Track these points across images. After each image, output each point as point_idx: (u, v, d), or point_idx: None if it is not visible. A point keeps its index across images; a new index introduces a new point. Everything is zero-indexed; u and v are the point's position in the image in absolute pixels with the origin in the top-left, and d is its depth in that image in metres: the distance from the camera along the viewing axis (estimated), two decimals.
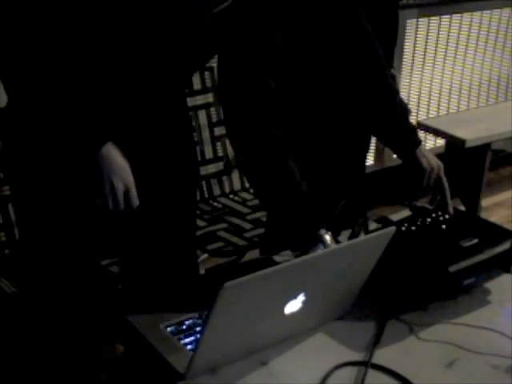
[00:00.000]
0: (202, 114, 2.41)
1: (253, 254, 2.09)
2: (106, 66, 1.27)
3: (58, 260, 1.42)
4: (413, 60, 3.55)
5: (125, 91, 1.31)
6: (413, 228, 1.36)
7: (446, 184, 1.53)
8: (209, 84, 2.39)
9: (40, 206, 1.38)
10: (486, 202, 3.26)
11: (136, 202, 1.29)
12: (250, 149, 1.37)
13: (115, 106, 1.31)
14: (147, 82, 1.33)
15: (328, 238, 1.32)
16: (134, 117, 1.35)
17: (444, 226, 1.38)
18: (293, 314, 1.10)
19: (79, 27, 1.21)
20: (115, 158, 1.26)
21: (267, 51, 1.37)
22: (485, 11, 3.58)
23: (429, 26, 3.50)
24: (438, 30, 3.54)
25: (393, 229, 1.14)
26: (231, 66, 1.38)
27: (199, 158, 2.34)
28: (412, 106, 3.66)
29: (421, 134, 3.69)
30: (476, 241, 1.32)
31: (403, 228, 1.36)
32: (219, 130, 2.41)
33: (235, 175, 2.47)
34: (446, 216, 1.42)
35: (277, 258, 1.45)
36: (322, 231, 1.31)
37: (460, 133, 2.88)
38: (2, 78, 1.28)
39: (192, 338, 1.16)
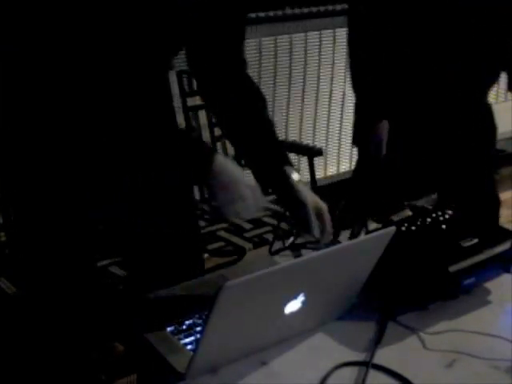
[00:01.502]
0: (202, 114, 2.41)
1: (253, 254, 2.09)
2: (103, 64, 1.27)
3: (56, 260, 1.42)
4: None
5: (111, 84, 1.30)
6: (413, 228, 1.36)
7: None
8: None
9: (36, 206, 1.38)
10: None
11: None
12: None
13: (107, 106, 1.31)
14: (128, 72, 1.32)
15: (296, 176, 1.33)
16: (120, 113, 1.34)
17: (444, 226, 1.38)
18: (293, 314, 1.10)
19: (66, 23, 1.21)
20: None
21: None
22: None
23: None
24: None
25: (393, 229, 1.14)
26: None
27: None
28: None
29: None
30: (476, 241, 1.32)
31: (403, 228, 1.36)
32: (219, 130, 2.41)
33: None
34: (446, 216, 1.42)
35: (277, 258, 1.45)
36: (289, 168, 1.33)
37: None
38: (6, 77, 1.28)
39: (192, 338, 1.16)
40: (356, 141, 2.26)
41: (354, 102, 2.23)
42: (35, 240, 1.43)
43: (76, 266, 1.43)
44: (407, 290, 1.24)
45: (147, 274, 1.54)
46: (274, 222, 2.26)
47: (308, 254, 1.29)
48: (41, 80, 1.25)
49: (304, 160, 3.12)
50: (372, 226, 1.44)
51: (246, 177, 1.32)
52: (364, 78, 2.15)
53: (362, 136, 2.21)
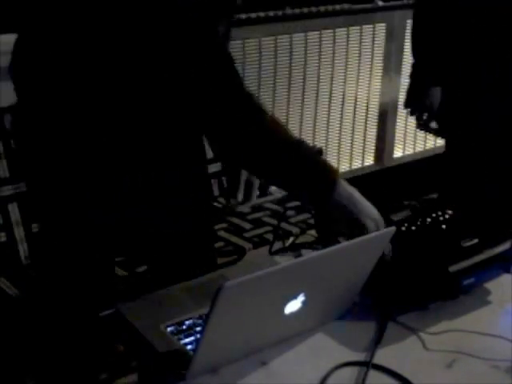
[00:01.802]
0: None
1: (253, 254, 2.09)
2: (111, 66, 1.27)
3: (70, 257, 1.42)
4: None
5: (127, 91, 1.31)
6: (413, 228, 1.36)
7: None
8: None
9: (55, 201, 1.38)
10: None
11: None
12: None
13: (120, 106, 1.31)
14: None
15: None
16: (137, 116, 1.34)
17: (444, 226, 1.38)
18: (293, 314, 1.10)
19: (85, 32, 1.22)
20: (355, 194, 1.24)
21: None
22: None
23: None
24: None
25: (393, 229, 1.14)
26: None
27: None
28: None
29: (421, 134, 3.71)
30: (476, 241, 1.32)
31: (403, 228, 1.36)
32: None
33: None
34: (446, 216, 1.42)
35: (277, 258, 1.45)
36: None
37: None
38: (15, 75, 1.29)
39: (192, 338, 1.16)
40: (408, 104, 2.31)
41: (411, 64, 2.29)
42: (57, 233, 1.43)
43: (93, 262, 1.43)
44: (407, 290, 1.24)
45: (159, 270, 1.54)
46: (274, 221, 2.26)
47: (308, 254, 1.29)
48: (44, 79, 1.26)
49: None
50: None
51: (371, 208, 1.25)
52: (425, 50, 2.22)
53: (414, 99, 2.27)
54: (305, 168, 1.25)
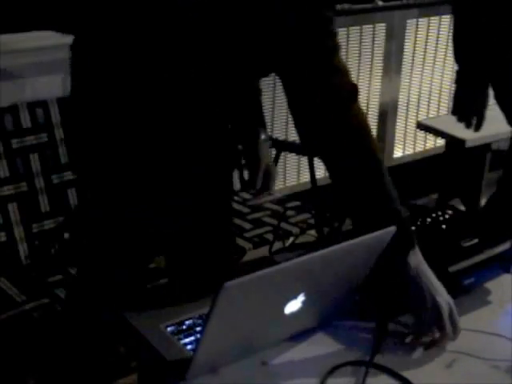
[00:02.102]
0: None
1: (253, 254, 2.09)
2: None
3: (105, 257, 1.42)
4: (413, 60, 3.55)
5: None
6: (413, 228, 1.36)
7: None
8: None
9: (103, 192, 1.39)
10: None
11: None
12: None
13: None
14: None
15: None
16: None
17: (444, 226, 1.38)
18: (293, 314, 1.10)
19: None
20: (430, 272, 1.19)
21: None
22: None
23: (429, 25, 3.50)
24: (438, 30, 3.54)
25: (393, 229, 1.14)
26: None
27: None
28: (412, 106, 3.67)
29: (421, 134, 3.71)
30: (476, 241, 1.32)
31: None
32: None
33: (235, 175, 2.47)
34: (446, 216, 1.42)
35: (277, 257, 1.45)
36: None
37: (460, 133, 2.88)
38: (73, 66, 1.31)
39: (192, 338, 1.16)
40: (455, 111, 2.27)
41: (456, 71, 2.25)
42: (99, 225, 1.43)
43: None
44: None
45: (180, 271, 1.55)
46: (274, 221, 2.26)
47: (308, 254, 1.29)
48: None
49: (304, 160, 3.12)
50: None
51: (441, 286, 1.18)
52: (467, 53, 2.18)
53: (461, 106, 2.24)
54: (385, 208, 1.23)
